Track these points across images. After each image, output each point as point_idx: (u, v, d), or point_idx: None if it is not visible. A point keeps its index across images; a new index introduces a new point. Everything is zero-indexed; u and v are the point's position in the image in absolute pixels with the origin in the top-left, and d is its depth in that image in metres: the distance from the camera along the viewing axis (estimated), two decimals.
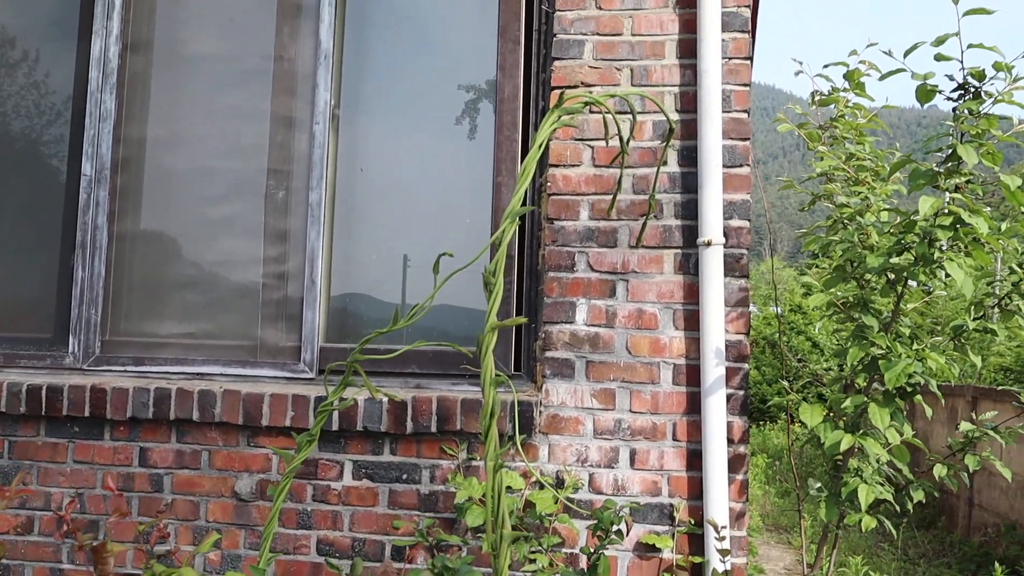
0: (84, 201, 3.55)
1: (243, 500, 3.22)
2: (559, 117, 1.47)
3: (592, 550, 2.38)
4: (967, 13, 2.65)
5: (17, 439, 3.35)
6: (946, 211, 2.69)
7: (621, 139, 1.68)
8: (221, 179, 3.56)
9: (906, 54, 2.82)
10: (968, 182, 2.79)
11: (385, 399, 3.08)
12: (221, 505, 3.23)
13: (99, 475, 3.30)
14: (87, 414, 3.26)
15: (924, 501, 3.15)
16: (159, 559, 1.60)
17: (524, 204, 3.30)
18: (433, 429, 3.07)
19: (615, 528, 2.39)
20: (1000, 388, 7.24)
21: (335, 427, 3.12)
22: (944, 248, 2.80)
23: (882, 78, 2.95)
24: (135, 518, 3.27)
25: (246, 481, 3.21)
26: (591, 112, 3.21)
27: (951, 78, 2.73)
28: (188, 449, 3.26)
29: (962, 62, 2.70)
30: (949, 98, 2.74)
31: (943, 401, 4.05)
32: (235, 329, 3.49)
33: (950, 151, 2.73)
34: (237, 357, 3.44)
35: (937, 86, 2.72)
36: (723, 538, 2.50)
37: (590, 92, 3.23)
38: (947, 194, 2.78)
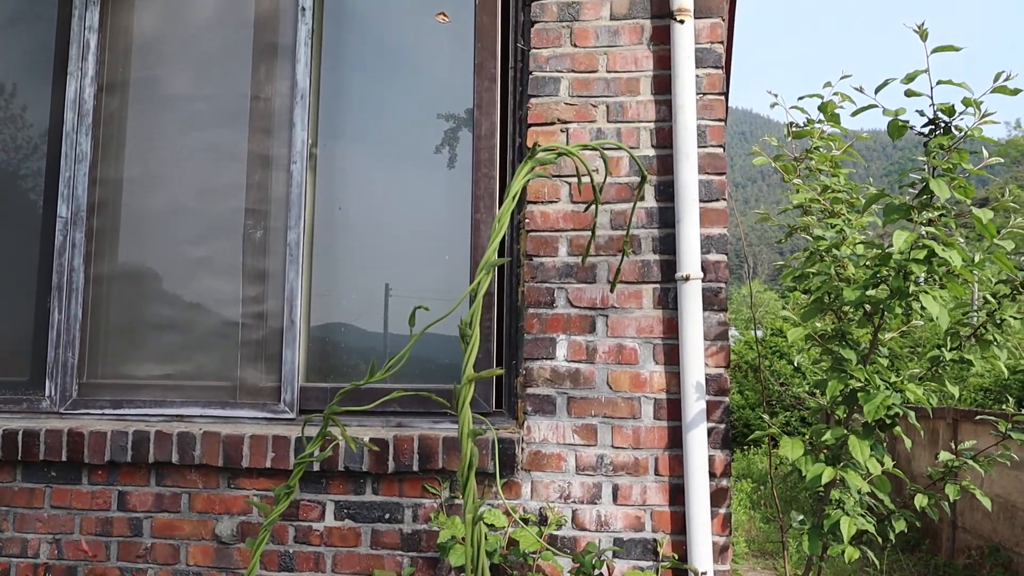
0: (60, 243, 3.53)
1: (224, 543, 3.19)
2: (532, 168, 1.48)
3: None
4: (936, 50, 2.69)
5: None
6: (920, 245, 2.72)
7: (594, 189, 1.70)
8: (198, 219, 3.55)
9: (877, 90, 2.86)
10: (941, 215, 2.82)
11: (367, 438, 3.06)
12: (202, 548, 3.20)
13: (77, 520, 3.26)
14: (64, 458, 3.22)
15: (906, 531, 3.16)
16: None
17: (501, 249, 3.30)
18: (415, 468, 3.06)
19: (597, 572, 2.38)
20: (979, 411, 7.28)
21: (316, 468, 3.10)
22: (919, 281, 2.82)
23: (854, 114, 2.99)
24: (114, 563, 3.23)
25: (227, 523, 3.18)
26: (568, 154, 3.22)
27: (922, 113, 2.77)
28: (168, 492, 3.23)
29: (932, 98, 2.74)
30: (920, 133, 2.78)
31: (924, 424, 4.08)
32: (214, 370, 3.47)
33: (923, 185, 2.76)
34: (216, 398, 3.42)
35: (908, 121, 2.76)
36: None
37: (566, 128, 3.25)
38: (921, 227, 2.81)
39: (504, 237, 3.29)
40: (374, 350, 3.51)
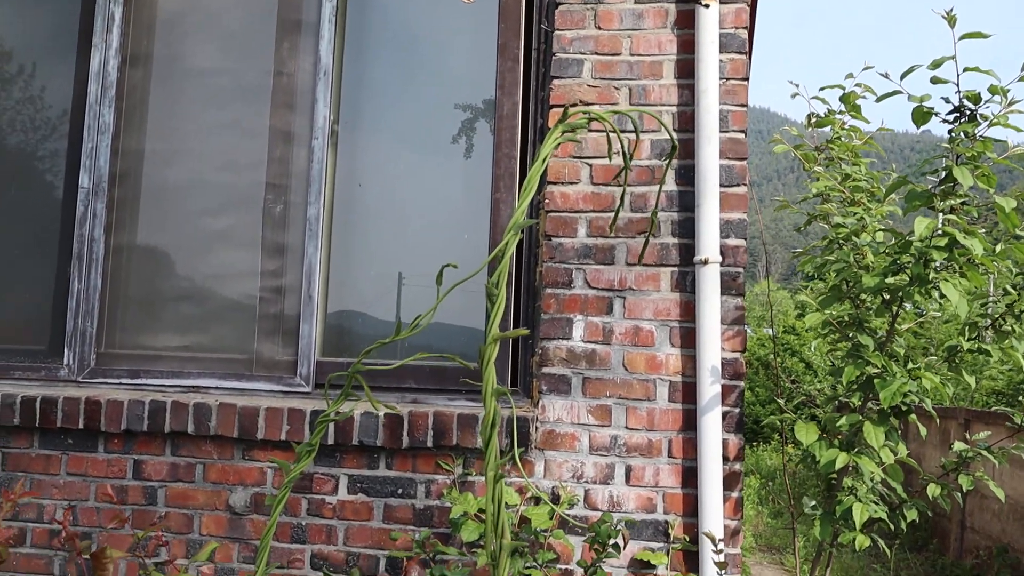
0: (81, 213, 3.55)
1: (237, 514, 3.21)
2: (563, 132, 1.48)
3: (589, 564, 2.38)
4: (963, 37, 2.68)
5: (11, 451, 3.34)
6: (941, 232, 2.71)
7: (624, 155, 1.70)
8: (219, 192, 3.57)
9: (903, 76, 2.85)
10: (963, 204, 2.81)
11: (382, 413, 3.08)
12: (215, 518, 3.22)
13: (92, 488, 3.29)
14: (81, 426, 3.25)
15: (917, 521, 3.16)
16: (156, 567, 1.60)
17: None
18: (429, 444, 3.07)
19: (612, 542, 2.39)
20: (993, 410, 7.25)
21: (331, 441, 3.12)
22: (939, 269, 2.82)
23: (879, 99, 2.98)
24: (128, 531, 3.25)
25: (240, 495, 3.20)
26: (589, 131, 3.23)
27: (947, 100, 2.76)
28: (183, 462, 3.25)
29: (958, 85, 2.73)
30: (945, 120, 2.77)
31: (937, 422, 4.06)
32: (231, 342, 3.49)
33: (946, 173, 2.75)
34: (233, 370, 3.44)
35: (933, 108, 2.75)
36: (720, 551, 2.50)
37: (588, 111, 3.25)
38: (942, 215, 2.81)
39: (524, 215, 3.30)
40: (387, 336, 3.52)
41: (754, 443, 15.19)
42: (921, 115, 2.77)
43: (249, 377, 3.41)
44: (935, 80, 2.73)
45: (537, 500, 3.05)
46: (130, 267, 3.59)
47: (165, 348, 3.53)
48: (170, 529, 3.24)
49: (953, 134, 2.75)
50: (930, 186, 2.87)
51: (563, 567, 3.03)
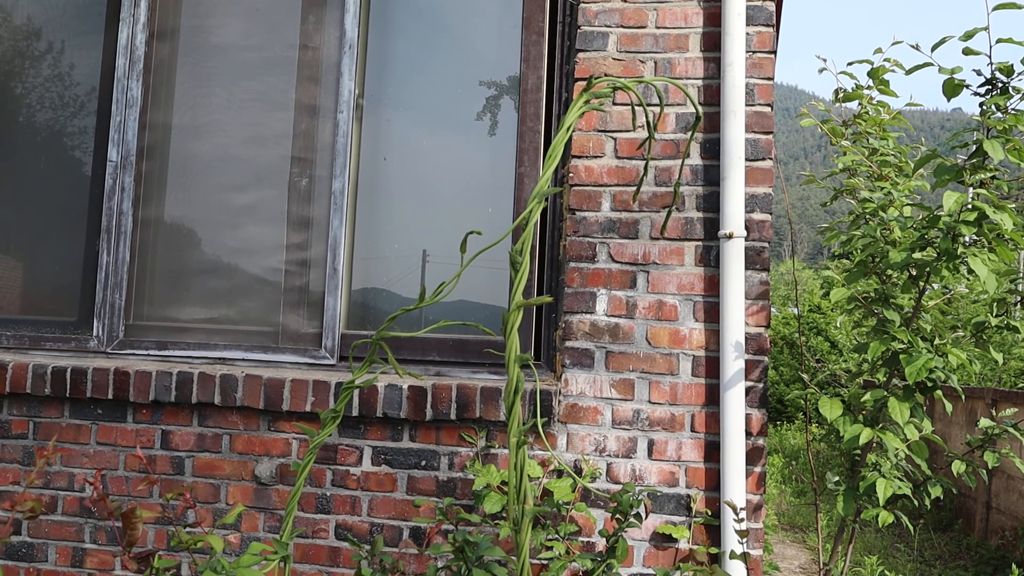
0: (110, 187, 3.59)
1: (263, 484, 3.25)
2: (588, 100, 1.48)
3: (611, 533, 2.39)
4: (997, 8, 2.64)
5: (42, 420, 3.39)
6: (970, 206, 2.68)
7: (648, 124, 1.69)
8: (245, 166, 3.59)
9: (934, 48, 2.81)
10: (993, 178, 2.78)
11: (406, 385, 3.10)
12: (241, 488, 3.26)
13: (122, 457, 3.34)
14: (110, 397, 3.30)
15: (941, 499, 3.15)
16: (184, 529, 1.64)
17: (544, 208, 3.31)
18: (452, 416, 3.09)
19: (634, 511, 2.40)
20: (1021, 390, 7.18)
21: (355, 413, 3.14)
22: (968, 244, 2.79)
23: (909, 72, 2.94)
24: (156, 500, 3.30)
25: (266, 465, 3.24)
26: (614, 104, 3.21)
27: (979, 73, 2.72)
28: (209, 433, 3.29)
29: (990, 57, 2.69)
30: (976, 93, 2.73)
31: (962, 401, 4.03)
32: (257, 315, 3.52)
33: (976, 146, 2.72)
34: (259, 343, 3.47)
35: (964, 81, 2.71)
36: (742, 520, 2.50)
37: (612, 90, 3.23)
38: (972, 190, 2.77)
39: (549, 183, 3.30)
40: (409, 316, 3.54)
41: (777, 422, 15.16)
42: (952, 87, 2.73)
43: (275, 349, 3.44)
44: (967, 52, 2.69)
45: (560, 473, 3.06)
46: (157, 240, 3.62)
47: (192, 320, 3.56)
48: (197, 499, 3.28)
49: (984, 107, 2.72)
50: (959, 161, 2.83)
51: (585, 539, 3.05)
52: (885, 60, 3.44)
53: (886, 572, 6.24)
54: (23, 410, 3.40)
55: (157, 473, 3.32)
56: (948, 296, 3.38)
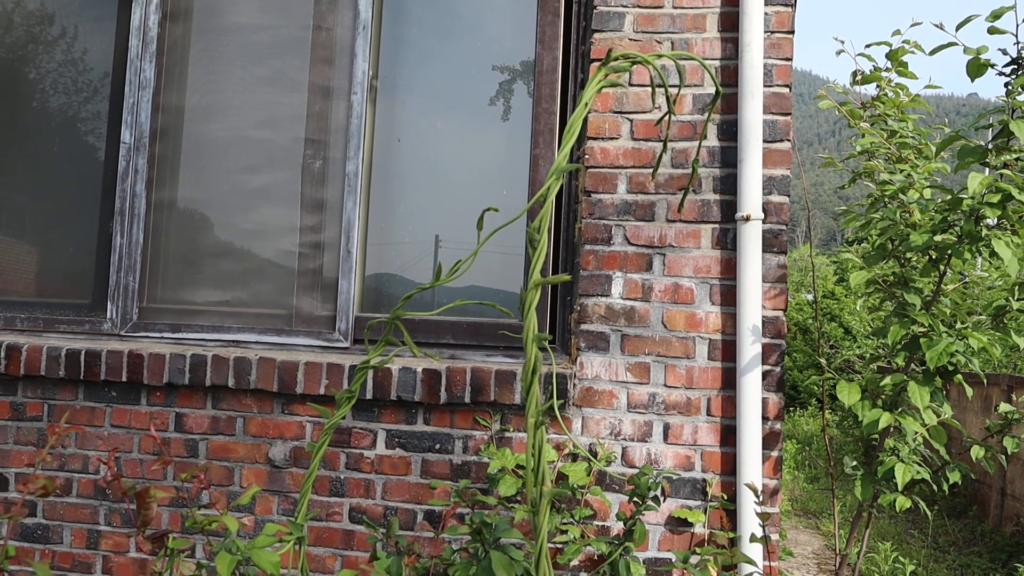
0: (123, 169, 3.58)
1: (276, 467, 3.24)
2: (606, 75, 1.45)
3: (628, 516, 2.38)
4: None
5: (56, 403, 3.40)
6: (995, 188, 2.64)
7: (668, 99, 1.66)
8: (258, 148, 3.57)
9: (959, 27, 2.76)
10: (1018, 159, 2.73)
11: (420, 369, 3.09)
12: (255, 471, 3.26)
13: (136, 439, 3.34)
14: (124, 379, 3.30)
15: (959, 485, 3.12)
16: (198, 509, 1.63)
17: (559, 190, 3.28)
18: (467, 400, 3.08)
19: (652, 494, 2.38)
20: None
21: (369, 396, 3.13)
22: (991, 226, 2.75)
23: (933, 52, 2.89)
24: (170, 482, 3.30)
25: (280, 448, 3.24)
26: (631, 85, 3.18)
27: (1004, 52, 2.67)
28: (223, 415, 3.29)
29: (1016, 36, 2.64)
30: (1001, 73, 2.68)
31: (983, 384, 4.00)
32: (271, 298, 3.51)
33: (1000, 127, 2.67)
34: (272, 325, 3.46)
35: (990, 60, 2.66)
36: (761, 502, 2.48)
37: (631, 64, 3.20)
38: (995, 171, 2.73)
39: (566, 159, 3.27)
40: (422, 299, 3.52)
41: (791, 408, 15.12)
42: (976, 67, 2.68)
43: (288, 332, 3.43)
44: (992, 31, 2.64)
45: (575, 457, 3.05)
46: (171, 222, 3.61)
47: (206, 303, 3.56)
48: (211, 482, 3.28)
49: (1010, 87, 2.67)
50: (983, 142, 2.79)
51: (600, 523, 3.03)
52: (904, 42, 3.40)
53: (900, 558, 6.22)
54: (38, 392, 3.40)
55: (171, 456, 3.32)
56: (965, 281, 3.34)
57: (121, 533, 3.30)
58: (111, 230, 3.58)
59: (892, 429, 2.98)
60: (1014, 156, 2.70)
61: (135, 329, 3.52)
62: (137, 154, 3.57)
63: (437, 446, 3.15)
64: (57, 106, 3.78)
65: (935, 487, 2.99)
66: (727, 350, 3.03)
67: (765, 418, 2.98)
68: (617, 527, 3.01)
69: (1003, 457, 3.07)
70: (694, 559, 2.22)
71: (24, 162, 3.77)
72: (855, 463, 3.03)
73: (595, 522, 3.03)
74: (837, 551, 3.37)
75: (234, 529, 1.49)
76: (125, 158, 3.57)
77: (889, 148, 3.30)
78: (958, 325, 2.84)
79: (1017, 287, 2.99)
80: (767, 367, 2.99)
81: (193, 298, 3.57)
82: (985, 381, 3.07)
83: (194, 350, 3.32)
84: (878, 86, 3.51)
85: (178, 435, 3.32)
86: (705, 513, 2.98)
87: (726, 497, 2.98)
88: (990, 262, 2.85)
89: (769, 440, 2.98)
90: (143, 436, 3.33)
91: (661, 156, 2.05)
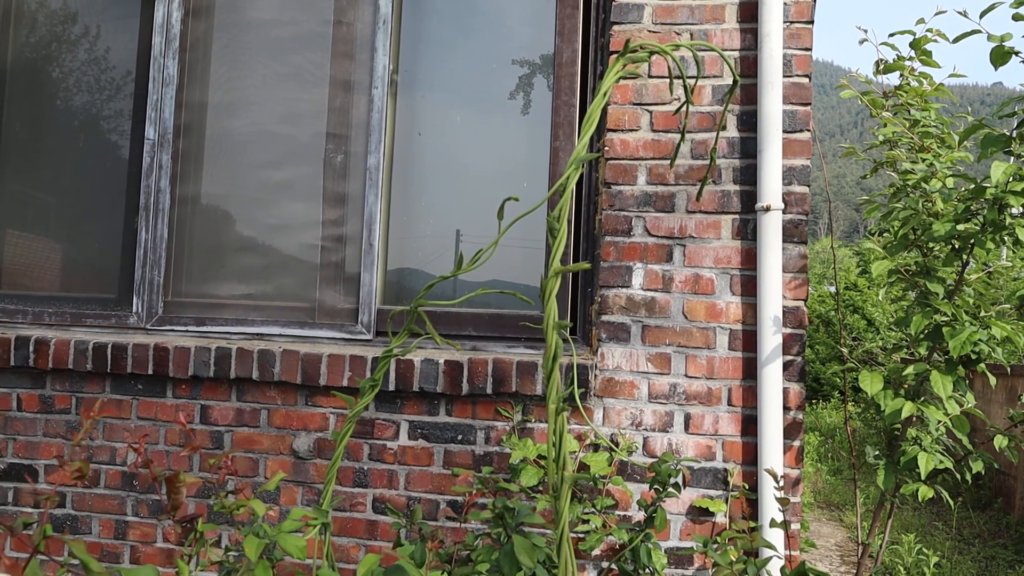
0: (147, 165, 3.62)
1: (301, 458, 3.28)
2: (624, 66, 1.46)
3: (648, 503, 2.39)
4: None
5: (84, 395, 3.45)
6: (1019, 177, 2.62)
7: (686, 89, 1.67)
8: (280, 143, 3.60)
9: (982, 14, 2.75)
10: None
11: (442, 360, 3.11)
12: (279, 462, 3.30)
13: (162, 431, 3.38)
14: (150, 372, 3.34)
15: (982, 474, 3.10)
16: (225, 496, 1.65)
17: (579, 180, 3.29)
18: (488, 391, 3.10)
19: (673, 481, 2.39)
20: None
21: (392, 387, 3.16)
22: (1015, 215, 2.73)
23: (956, 40, 2.87)
24: (196, 473, 3.35)
25: (304, 439, 3.27)
26: (650, 77, 3.18)
27: None
28: (248, 407, 3.33)
29: None
30: None
31: (1007, 374, 3.97)
32: (294, 291, 3.54)
33: None
34: (296, 318, 3.50)
35: (1014, 48, 2.64)
36: (782, 487, 2.48)
37: (648, 55, 3.20)
38: (1019, 160, 2.72)
39: (583, 166, 3.28)
40: (444, 293, 3.54)
41: (813, 400, 15.06)
42: (1000, 55, 2.67)
43: (311, 325, 3.46)
44: (1016, 17, 2.63)
45: (596, 447, 3.06)
46: (195, 217, 3.65)
47: (230, 296, 3.60)
48: (236, 472, 3.32)
49: None
50: (1007, 130, 2.77)
51: (621, 513, 3.05)
52: (928, 30, 3.38)
53: (924, 550, 6.19)
54: (66, 386, 3.46)
55: (197, 447, 3.35)
56: (989, 271, 3.32)
57: (148, 524, 3.35)
58: (136, 225, 3.63)
59: (914, 419, 2.98)
60: None
61: (160, 323, 3.57)
62: (161, 150, 3.61)
63: (459, 437, 3.17)
64: (81, 104, 3.83)
65: (959, 477, 2.98)
66: (748, 340, 3.04)
67: (786, 408, 2.98)
68: (639, 517, 3.03)
69: None
70: (715, 544, 2.22)
71: (50, 160, 3.82)
72: (877, 452, 3.02)
73: (617, 512, 3.05)
74: (859, 541, 3.36)
75: (261, 513, 1.52)
76: (149, 154, 3.62)
77: (911, 137, 3.29)
78: (981, 314, 2.82)
79: None
80: (788, 357, 2.99)
81: (217, 292, 3.61)
82: (1009, 371, 3.05)
83: (219, 343, 3.36)
84: (901, 75, 3.49)
85: (203, 427, 3.36)
86: (726, 502, 2.99)
87: (747, 487, 2.99)
88: (1014, 251, 2.83)
89: (790, 430, 2.98)
90: (169, 428, 3.38)
91: (679, 146, 2.06)
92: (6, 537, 3.35)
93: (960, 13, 2.90)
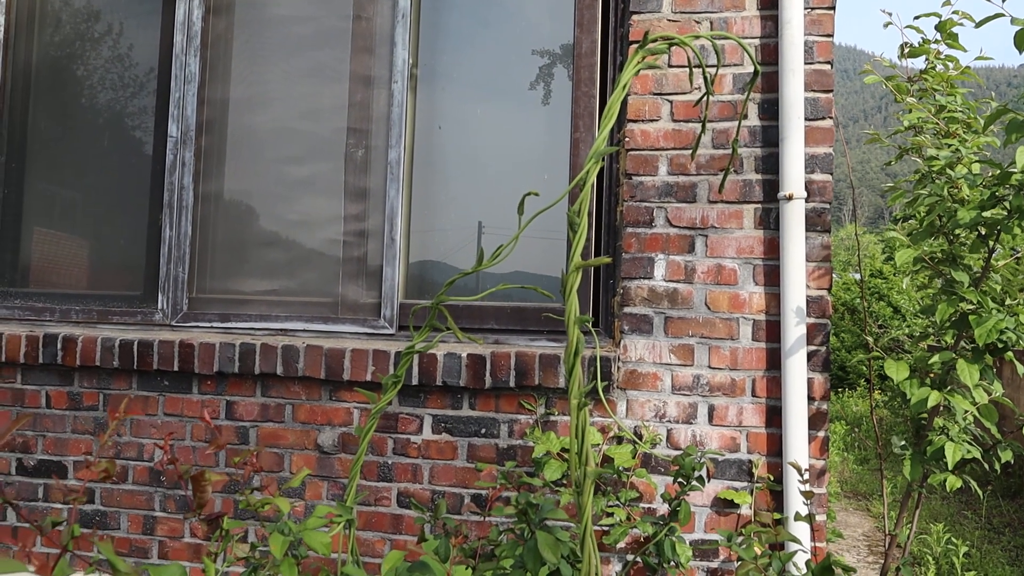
0: (171, 162, 3.64)
1: (325, 453, 3.30)
2: (643, 57, 1.45)
3: (673, 496, 2.38)
4: None
5: (111, 392, 3.48)
6: None
7: (706, 79, 1.66)
8: (302, 139, 3.61)
9: None
10: None
11: (464, 354, 3.12)
12: (304, 457, 3.32)
13: (188, 427, 3.41)
14: (176, 368, 3.37)
15: (1012, 463, 3.07)
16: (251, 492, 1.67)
17: (599, 173, 3.28)
18: (511, 384, 3.10)
19: (697, 474, 2.38)
20: None
21: (415, 381, 3.17)
22: None
23: (979, 24, 2.83)
24: (222, 468, 3.38)
25: (328, 434, 3.29)
26: (670, 67, 3.16)
27: None
28: (272, 403, 3.35)
29: None
30: None
31: None
32: (317, 286, 3.56)
33: None
34: (319, 313, 3.51)
35: None
36: (806, 480, 2.47)
37: (668, 46, 3.18)
38: None
39: (603, 158, 3.27)
40: (466, 286, 3.54)
41: (839, 389, 14.96)
42: None
43: (334, 320, 3.48)
44: None
45: (620, 440, 3.06)
46: (218, 214, 3.68)
47: (253, 292, 3.62)
48: (262, 468, 3.34)
49: None
50: None
51: (645, 506, 3.04)
52: (954, 13, 3.33)
53: (953, 539, 6.14)
54: (93, 382, 3.49)
55: (223, 443, 3.38)
56: (1016, 257, 3.28)
57: (176, 519, 3.39)
58: (160, 222, 3.66)
59: (941, 408, 2.95)
60: None
61: (185, 319, 3.60)
62: (184, 147, 3.63)
63: (483, 430, 3.18)
64: (105, 102, 3.86)
65: (987, 467, 2.95)
66: (771, 331, 3.02)
67: (811, 398, 2.96)
68: (663, 509, 3.02)
69: None
70: (739, 538, 2.22)
71: (74, 158, 3.86)
72: (903, 443, 3.00)
73: (641, 504, 3.04)
74: (887, 532, 3.34)
75: (286, 510, 1.53)
76: (172, 151, 3.64)
77: (937, 123, 3.25)
78: (1008, 301, 2.79)
79: None
80: (812, 347, 2.97)
81: (241, 288, 3.64)
82: None
83: (243, 339, 3.38)
84: (926, 59, 3.45)
85: (229, 423, 3.38)
86: (751, 494, 2.98)
87: (772, 478, 2.97)
88: None
89: (815, 420, 2.96)
90: (195, 424, 3.41)
91: (700, 136, 2.05)
92: (36, 534, 3.40)
93: None
